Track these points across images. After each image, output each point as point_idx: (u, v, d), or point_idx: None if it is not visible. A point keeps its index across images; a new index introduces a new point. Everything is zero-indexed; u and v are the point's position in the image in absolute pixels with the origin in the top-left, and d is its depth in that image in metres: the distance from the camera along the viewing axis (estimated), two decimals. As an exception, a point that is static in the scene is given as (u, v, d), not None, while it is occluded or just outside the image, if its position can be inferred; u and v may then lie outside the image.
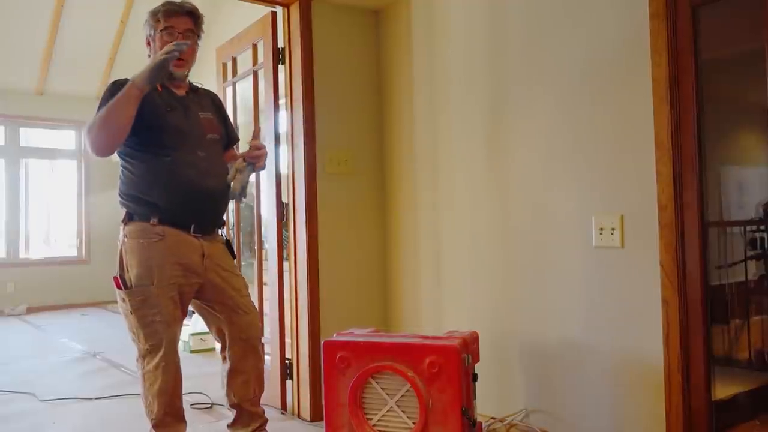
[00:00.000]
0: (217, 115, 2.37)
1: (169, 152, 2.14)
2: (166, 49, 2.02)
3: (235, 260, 2.43)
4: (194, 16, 2.24)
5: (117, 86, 2.14)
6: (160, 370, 2.11)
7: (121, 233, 2.17)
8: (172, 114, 2.17)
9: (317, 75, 2.94)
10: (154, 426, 2.15)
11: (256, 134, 2.37)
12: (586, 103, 2.26)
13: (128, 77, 2.25)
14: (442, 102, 2.84)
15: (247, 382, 2.30)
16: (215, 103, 2.42)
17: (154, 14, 2.21)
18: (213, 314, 2.30)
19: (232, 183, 2.24)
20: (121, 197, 2.19)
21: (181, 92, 2.26)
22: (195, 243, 2.18)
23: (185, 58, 2.20)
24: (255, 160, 2.29)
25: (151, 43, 2.23)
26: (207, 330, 2.53)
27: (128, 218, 2.16)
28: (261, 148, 2.31)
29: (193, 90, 2.33)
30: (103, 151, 2.08)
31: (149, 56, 2.24)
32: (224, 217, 2.38)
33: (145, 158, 2.15)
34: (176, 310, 2.15)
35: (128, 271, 2.12)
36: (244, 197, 2.31)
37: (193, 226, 2.18)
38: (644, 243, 2.08)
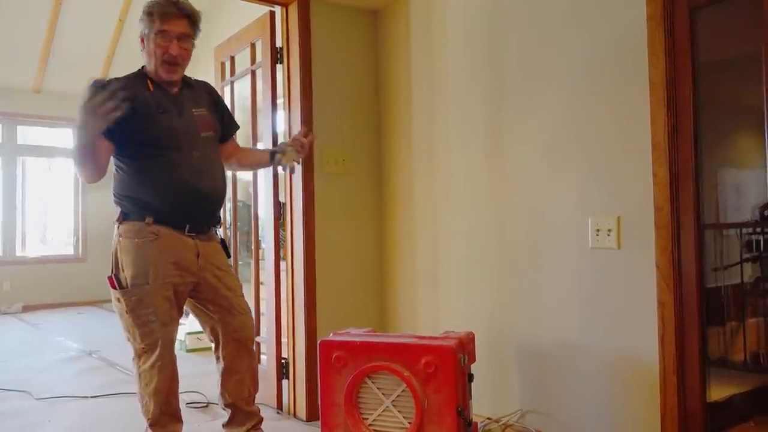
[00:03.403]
0: (213, 108, 2.34)
1: (163, 153, 2.12)
2: (88, 106, 1.85)
3: (230, 259, 2.42)
4: (191, 19, 2.18)
5: (94, 90, 2.07)
6: (156, 369, 2.10)
7: (115, 232, 2.15)
8: (164, 116, 2.15)
9: (315, 74, 2.94)
10: (150, 425, 2.14)
11: (305, 132, 2.43)
12: (584, 105, 2.26)
13: (123, 75, 2.23)
14: (440, 102, 2.84)
15: (241, 382, 2.29)
16: (211, 95, 2.38)
17: (150, 14, 2.14)
18: (207, 314, 2.28)
19: (281, 160, 2.35)
20: (115, 196, 2.18)
21: (174, 90, 2.22)
22: (189, 242, 2.17)
23: (179, 63, 2.17)
24: (299, 147, 2.36)
25: (145, 42, 2.18)
26: (203, 329, 2.53)
27: (123, 217, 2.14)
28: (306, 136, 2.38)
29: (188, 85, 2.30)
30: (89, 182, 2.14)
31: (142, 51, 2.21)
32: (220, 216, 2.38)
33: (139, 159, 2.13)
34: (172, 309, 2.14)
35: (123, 271, 2.11)
36: (293, 171, 2.43)
37: (188, 226, 2.16)
38: (640, 244, 2.08)
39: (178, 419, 2.21)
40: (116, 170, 2.18)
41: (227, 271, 2.29)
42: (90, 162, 2.03)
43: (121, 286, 2.10)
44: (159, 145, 2.12)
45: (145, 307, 2.09)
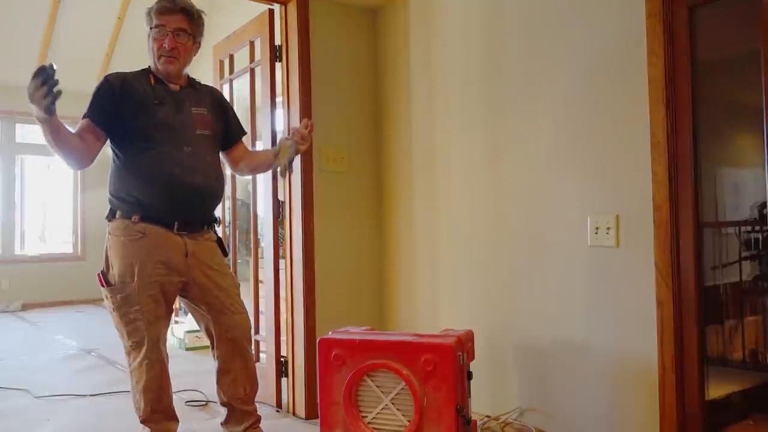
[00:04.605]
0: (216, 111, 2.33)
1: (153, 146, 2.12)
2: (28, 91, 1.79)
3: (227, 258, 2.40)
4: (189, 14, 2.18)
5: (105, 84, 2.11)
6: (144, 367, 2.11)
7: (107, 230, 2.16)
8: (159, 108, 2.15)
9: (314, 73, 2.94)
10: (143, 421, 2.15)
11: (306, 123, 2.38)
12: (583, 103, 2.26)
13: (125, 71, 2.24)
14: (439, 100, 2.84)
15: (235, 381, 2.28)
16: (216, 99, 2.38)
17: (148, 12, 2.18)
18: (200, 313, 2.28)
19: (277, 159, 2.32)
20: (108, 193, 2.18)
21: (175, 87, 2.23)
22: (178, 241, 2.16)
23: (175, 56, 2.16)
24: (300, 139, 2.32)
25: (147, 40, 2.20)
26: (202, 327, 2.52)
27: (111, 215, 2.15)
28: (307, 127, 2.35)
29: (192, 86, 2.31)
30: (74, 169, 2.16)
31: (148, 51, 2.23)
32: (218, 215, 2.37)
33: (130, 152, 2.14)
34: (158, 308, 2.13)
35: (111, 269, 2.12)
36: (290, 171, 2.37)
37: (176, 223, 2.15)
38: (639, 243, 2.08)
39: (172, 417, 2.21)
40: (111, 165, 2.19)
41: (220, 270, 2.27)
42: (56, 145, 1.98)
43: (108, 284, 2.11)
44: (149, 136, 2.12)
45: (130, 305, 2.09)
